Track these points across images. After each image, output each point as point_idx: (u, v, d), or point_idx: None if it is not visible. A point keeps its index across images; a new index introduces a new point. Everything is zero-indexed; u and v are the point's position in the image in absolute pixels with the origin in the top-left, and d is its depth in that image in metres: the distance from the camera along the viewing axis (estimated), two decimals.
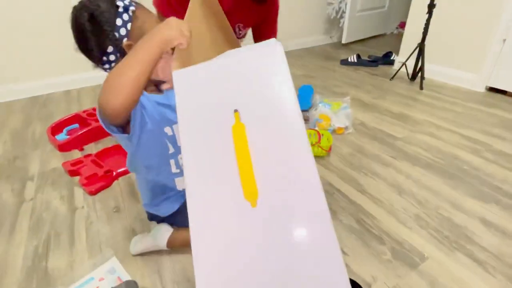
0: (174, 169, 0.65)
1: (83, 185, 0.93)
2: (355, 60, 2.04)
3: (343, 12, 2.37)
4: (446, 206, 0.85)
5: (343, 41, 2.45)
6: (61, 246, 0.75)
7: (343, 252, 0.71)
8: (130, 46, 0.52)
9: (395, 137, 1.20)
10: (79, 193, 0.93)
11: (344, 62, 2.07)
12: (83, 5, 0.52)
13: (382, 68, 2.01)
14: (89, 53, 0.54)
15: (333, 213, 0.83)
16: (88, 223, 0.82)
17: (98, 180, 0.95)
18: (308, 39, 2.54)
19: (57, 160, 1.11)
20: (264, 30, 1.14)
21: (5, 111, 1.52)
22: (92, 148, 1.17)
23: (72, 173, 1.00)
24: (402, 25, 2.68)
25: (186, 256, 0.71)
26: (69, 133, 1.27)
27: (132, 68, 0.44)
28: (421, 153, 1.09)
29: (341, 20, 2.46)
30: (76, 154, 1.14)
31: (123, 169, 1.01)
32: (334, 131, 1.22)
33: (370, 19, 2.57)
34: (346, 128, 1.23)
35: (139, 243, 0.72)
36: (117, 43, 0.53)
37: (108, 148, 1.12)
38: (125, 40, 0.53)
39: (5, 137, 1.28)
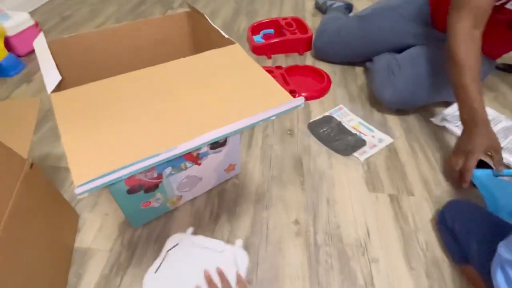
0: None
1: None
2: None
3: None
4: None
5: None
6: (241, 144, 0.84)
7: None
8: None
9: None
10: None
11: None
12: None
13: None
14: None
15: None
16: (264, 134, 0.87)
17: None
18: None
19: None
20: None
21: None
22: (282, 60, 1.18)
23: None
24: None
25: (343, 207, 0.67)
26: (264, 37, 1.30)
27: None
28: None
29: None
30: (265, 59, 1.18)
31: (305, 94, 0.98)
32: None
33: None
34: None
35: None
36: None
37: (298, 66, 1.09)
38: None
39: (218, 24, 1.44)
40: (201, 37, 0.64)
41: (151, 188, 0.57)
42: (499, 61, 1.11)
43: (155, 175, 0.55)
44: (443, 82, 0.88)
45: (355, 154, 0.81)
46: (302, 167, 0.78)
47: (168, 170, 0.57)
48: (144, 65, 0.49)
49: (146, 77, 0.47)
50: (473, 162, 0.64)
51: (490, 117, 0.91)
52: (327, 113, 0.94)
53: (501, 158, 0.65)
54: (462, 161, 0.67)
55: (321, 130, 0.88)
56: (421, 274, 0.58)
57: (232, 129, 0.40)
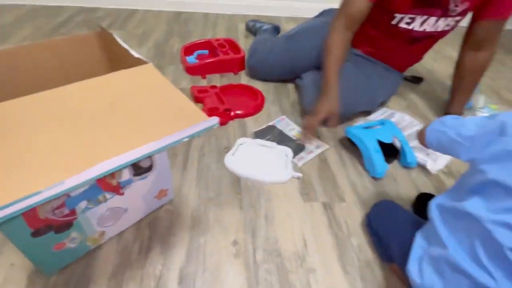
0: None
1: None
2: None
3: None
4: None
5: None
6: (175, 166, 0.80)
7: None
8: None
9: None
10: None
11: None
12: None
13: None
14: None
15: None
16: (200, 154, 0.85)
17: (218, 115, 0.96)
18: None
19: (186, 81, 1.16)
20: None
21: (154, 20, 1.67)
22: (217, 80, 1.19)
23: (197, 99, 1.04)
24: None
25: (282, 229, 0.67)
26: (198, 57, 1.31)
27: None
28: None
29: None
30: (199, 79, 1.17)
31: (240, 111, 0.99)
32: None
33: None
34: None
35: None
36: None
37: (232, 85, 1.11)
38: None
39: (149, 45, 1.41)
40: (115, 59, 0.61)
41: (63, 227, 0.51)
42: (408, 73, 1.27)
43: (66, 211, 0.49)
44: (362, 93, 0.97)
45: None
46: (239, 185, 0.77)
47: (83, 204, 0.51)
48: (46, 90, 0.44)
49: (41, 101, 0.42)
50: (315, 122, 0.82)
51: (406, 122, 1.02)
52: (270, 123, 0.97)
53: (336, 120, 0.84)
54: (310, 121, 0.84)
55: (264, 139, 0.90)
56: (356, 278, 0.60)
57: (135, 155, 0.37)
